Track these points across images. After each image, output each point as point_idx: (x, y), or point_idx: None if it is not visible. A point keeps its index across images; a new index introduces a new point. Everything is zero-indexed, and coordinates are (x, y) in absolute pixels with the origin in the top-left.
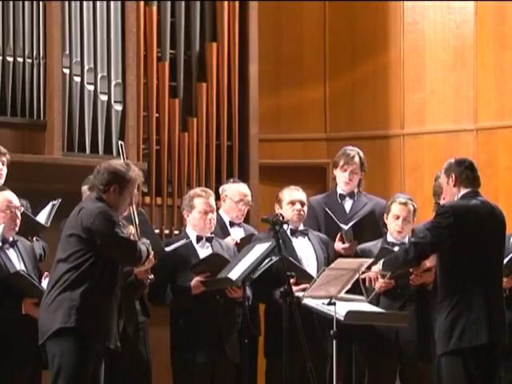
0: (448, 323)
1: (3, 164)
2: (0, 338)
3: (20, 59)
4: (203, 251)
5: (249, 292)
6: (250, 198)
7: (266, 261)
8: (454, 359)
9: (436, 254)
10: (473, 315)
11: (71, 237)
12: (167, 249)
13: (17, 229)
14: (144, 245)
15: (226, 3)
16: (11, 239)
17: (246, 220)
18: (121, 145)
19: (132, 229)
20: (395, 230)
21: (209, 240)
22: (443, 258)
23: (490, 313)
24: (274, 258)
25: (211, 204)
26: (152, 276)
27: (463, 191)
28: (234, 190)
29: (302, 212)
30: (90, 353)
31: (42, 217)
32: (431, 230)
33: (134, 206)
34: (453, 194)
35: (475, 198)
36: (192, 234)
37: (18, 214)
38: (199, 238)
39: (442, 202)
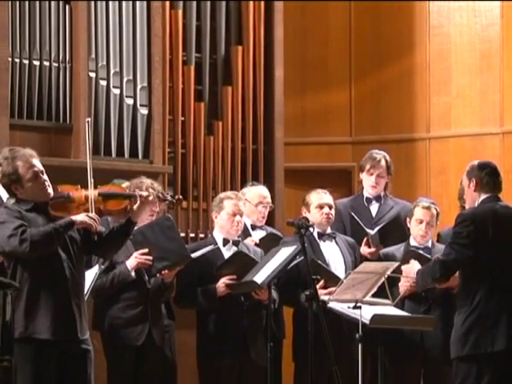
0: (465, 328)
1: None
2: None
3: (46, 63)
4: (228, 254)
5: (275, 295)
6: (269, 199)
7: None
8: (468, 365)
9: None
10: (490, 321)
11: None
12: (193, 255)
13: None
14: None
15: (251, 4)
16: None
17: (271, 223)
18: (87, 121)
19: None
20: (418, 234)
21: (235, 243)
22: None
23: (509, 319)
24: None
25: (240, 207)
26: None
27: (483, 196)
28: (253, 192)
29: (330, 215)
30: (45, 362)
31: None
32: (454, 245)
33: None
34: (473, 198)
35: (495, 203)
36: (219, 236)
37: None
38: (226, 241)
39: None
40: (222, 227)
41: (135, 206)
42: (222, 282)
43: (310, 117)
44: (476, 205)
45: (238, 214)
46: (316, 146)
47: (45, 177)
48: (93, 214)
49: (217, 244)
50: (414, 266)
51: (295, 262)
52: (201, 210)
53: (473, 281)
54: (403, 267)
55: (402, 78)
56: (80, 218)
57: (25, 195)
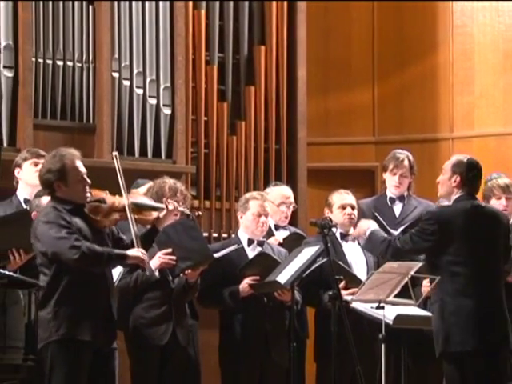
0: (438, 326)
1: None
2: None
3: (70, 63)
4: (253, 254)
5: (298, 296)
6: (292, 199)
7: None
8: (447, 363)
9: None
10: (462, 319)
11: (34, 247)
12: (216, 255)
13: None
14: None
15: (274, 4)
16: None
17: (294, 223)
18: (115, 156)
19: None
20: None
21: (260, 244)
22: (431, 261)
23: (480, 316)
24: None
25: (266, 208)
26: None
27: (460, 193)
28: (276, 192)
29: (353, 216)
30: (81, 364)
31: None
32: (414, 237)
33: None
34: (450, 192)
35: (470, 201)
36: (243, 237)
37: None
38: (250, 242)
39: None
40: (246, 227)
41: (161, 215)
42: (245, 283)
43: (332, 117)
44: (451, 200)
45: (264, 214)
46: (339, 146)
47: (88, 180)
48: (143, 250)
49: (241, 244)
50: (369, 223)
51: (319, 263)
52: (224, 210)
53: (441, 278)
54: (360, 221)
55: (425, 77)
56: (133, 253)
57: (65, 194)
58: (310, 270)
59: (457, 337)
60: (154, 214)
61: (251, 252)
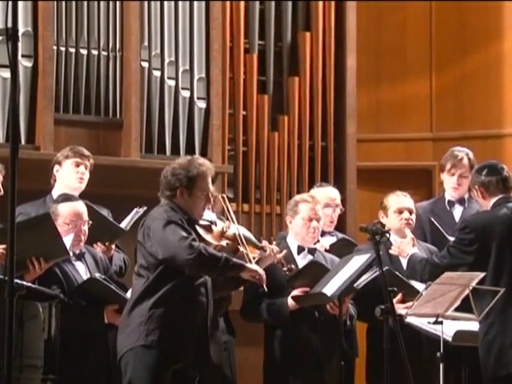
0: (484, 348)
1: (86, 168)
2: (76, 351)
3: (94, 52)
4: (303, 263)
5: (352, 310)
6: (338, 201)
7: (371, 272)
8: None
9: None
10: (508, 339)
11: (141, 251)
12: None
13: (82, 244)
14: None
15: None
16: (77, 252)
17: (342, 229)
18: (222, 197)
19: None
20: None
21: (311, 252)
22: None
23: None
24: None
25: (317, 212)
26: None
27: (493, 200)
28: (319, 194)
29: (410, 221)
30: (163, 374)
31: (123, 223)
32: (452, 249)
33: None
34: (486, 206)
35: (503, 205)
36: (293, 243)
37: (84, 228)
38: (300, 249)
39: None
40: (296, 233)
41: (264, 255)
42: (292, 295)
43: (385, 110)
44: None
45: (315, 219)
46: (392, 143)
47: (211, 199)
48: (260, 269)
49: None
50: (408, 246)
51: (372, 276)
52: (264, 215)
53: (484, 294)
54: (398, 239)
55: (489, 67)
56: (253, 266)
57: (184, 204)
58: (364, 281)
59: (508, 357)
60: (257, 252)
61: (301, 261)
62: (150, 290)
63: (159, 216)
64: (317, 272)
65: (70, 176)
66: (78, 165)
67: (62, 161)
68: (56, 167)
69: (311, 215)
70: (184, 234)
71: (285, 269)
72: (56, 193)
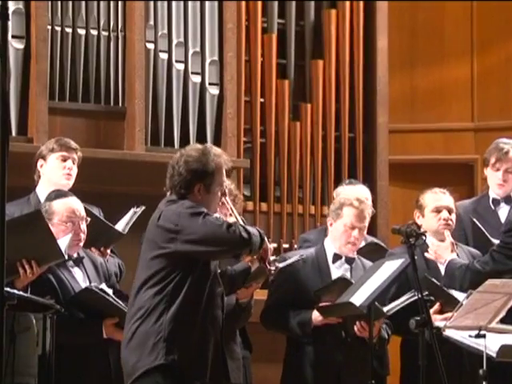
0: None
1: (74, 162)
2: (73, 368)
3: (94, 32)
4: (338, 273)
5: (386, 333)
6: (370, 202)
7: (407, 296)
8: None
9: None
10: None
11: (155, 258)
12: (280, 265)
13: (81, 244)
14: (252, 229)
15: None
16: (75, 255)
17: (373, 231)
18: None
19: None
20: None
21: (349, 261)
22: None
23: None
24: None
25: (363, 219)
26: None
27: None
28: (349, 193)
29: (449, 222)
30: None
31: (120, 225)
32: (495, 254)
33: (229, 202)
34: None
35: None
36: (329, 249)
37: (83, 227)
38: (336, 257)
39: None
40: (334, 239)
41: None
42: (317, 306)
43: (420, 98)
44: None
45: (358, 227)
46: (429, 134)
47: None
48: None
49: (303, 255)
50: (447, 250)
51: (407, 301)
52: (284, 215)
53: None
54: (436, 242)
55: None
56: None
57: (200, 201)
58: (396, 307)
59: None
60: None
61: (336, 270)
62: (168, 300)
63: (187, 210)
64: (346, 288)
65: (57, 172)
66: (64, 159)
67: (47, 155)
68: (40, 162)
69: (355, 223)
70: (215, 217)
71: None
72: (41, 190)
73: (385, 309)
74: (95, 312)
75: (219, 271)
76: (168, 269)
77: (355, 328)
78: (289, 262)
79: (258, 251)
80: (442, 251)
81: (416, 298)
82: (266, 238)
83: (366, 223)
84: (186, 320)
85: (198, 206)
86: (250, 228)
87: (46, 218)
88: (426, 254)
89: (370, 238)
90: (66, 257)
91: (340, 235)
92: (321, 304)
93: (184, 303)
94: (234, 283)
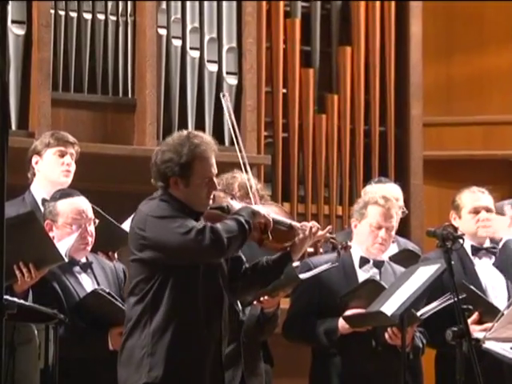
0: None
1: (72, 158)
2: (78, 383)
3: (101, 16)
4: (366, 277)
5: (420, 341)
6: (401, 201)
7: (442, 300)
8: None
9: None
10: None
11: (132, 263)
12: (303, 276)
13: (88, 248)
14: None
15: None
16: (83, 260)
17: (406, 234)
18: (223, 95)
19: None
20: None
21: (377, 265)
22: None
23: None
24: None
25: (390, 218)
26: None
27: None
28: (378, 192)
29: (488, 223)
30: None
31: (127, 226)
32: None
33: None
34: None
35: None
36: (356, 252)
37: (91, 229)
38: (364, 261)
39: None
40: (360, 242)
41: (298, 239)
42: (344, 316)
43: (458, 88)
44: None
45: (385, 227)
46: (467, 128)
47: (216, 185)
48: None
49: (334, 263)
50: (504, 227)
51: (442, 305)
52: (309, 216)
53: None
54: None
55: None
56: (262, 210)
57: (181, 195)
58: (431, 310)
59: None
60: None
61: (363, 275)
62: (149, 310)
63: (152, 212)
64: (375, 292)
65: (54, 168)
66: (62, 154)
67: (43, 150)
68: (35, 158)
69: (381, 222)
70: (185, 222)
71: (339, 247)
72: (37, 189)
73: (418, 313)
74: (101, 320)
75: (246, 266)
76: (144, 275)
77: (386, 335)
78: (314, 272)
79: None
80: (500, 226)
81: (452, 300)
82: (259, 216)
83: (394, 222)
84: (172, 332)
85: (170, 206)
86: (225, 222)
87: (50, 219)
88: (479, 231)
89: (403, 241)
90: (67, 259)
91: (366, 237)
92: (347, 313)
93: (168, 313)
94: (267, 275)
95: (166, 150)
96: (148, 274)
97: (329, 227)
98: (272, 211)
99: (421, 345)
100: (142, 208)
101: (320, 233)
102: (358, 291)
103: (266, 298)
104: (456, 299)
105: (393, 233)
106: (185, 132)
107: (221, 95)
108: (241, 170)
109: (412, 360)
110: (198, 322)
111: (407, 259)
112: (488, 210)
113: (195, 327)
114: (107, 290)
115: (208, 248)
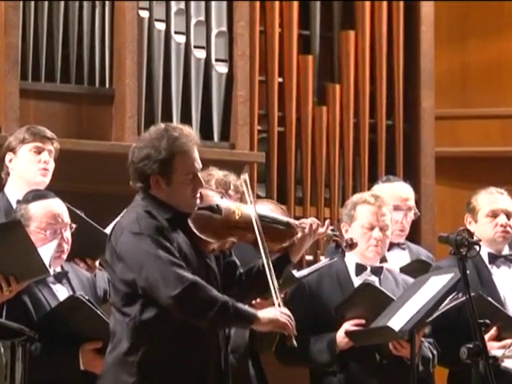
0: None
1: (50, 155)
2: None
3: None
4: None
5: (430, 351)
6: (411, 202)
7: (449, 300)
8: None
9: None
10: None
11: (109, 271)
12: (299, 274)
13: (64, 257)
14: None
15: None
16: (58, 269)
17: (416, 239)
18: (244, 180)
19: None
20: None
21: (376, 271)
22: None
23: None
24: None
25: (383, 217)
26: None
27: None
28: (386, 192)
29: (508, 228)
30: None
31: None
32: None
33: None
34: None
35: None
36: (350, 260)
37: (67, 235)
38: (360, 268)
39: None
40: None
41: (296, 238)
42: (344, 330)
43: (473, 77)
44: None
45: (378, 226)
46: (483, 122)
47: (202, 182)
48: (285, 310)
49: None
50: None
51: (452, 304)
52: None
53: None
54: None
55: None
56: (271, 315)
57: (163, 196)
58: (439, 311)
59: None
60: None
61: (360, 282)
62: (133, 335)
63: (129, 226)
64: (373, 298)
65: (30, 166)
66: (39, 151)
67: (17, 146)
68: (9, 156)
69: (373, 222)
70: (168, 257)
71: (344, 244)
72: (11, 191)
73: None
74: (75, 333)
75: (241, 271)
76: (128, 290)
77: (390, 346)
78: (310, 270)
79: (223, 326)
80: None
81: (461, 299)
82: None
83: (388, 221)
84: (164, 359)
85: (152, 219)
86: (211, 291)
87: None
88: (497, 237)
89: (415, 248)
90: (52, 271)
91: (359, 240)
92: (348, 327)
93: (160, 336)
94: (264, 282)
95: (143, 147)
96: (128, 291)
97: (328, 222)
98: (267, 208)
99: (430, 355)
100: (125, 217)
101: (321, 230)
102: (354, 299)
103: (258, 300)
104: (471, 312)
105: (388, 233)
106: (162, 125)
107: (241, 177)
108: (225, 167)
109: (423, 372)
110: (190, 334)
111: (419, 270)
112: (507, 214)
113: (194, 340)
114: (87, 297)
115: (174, 296)
